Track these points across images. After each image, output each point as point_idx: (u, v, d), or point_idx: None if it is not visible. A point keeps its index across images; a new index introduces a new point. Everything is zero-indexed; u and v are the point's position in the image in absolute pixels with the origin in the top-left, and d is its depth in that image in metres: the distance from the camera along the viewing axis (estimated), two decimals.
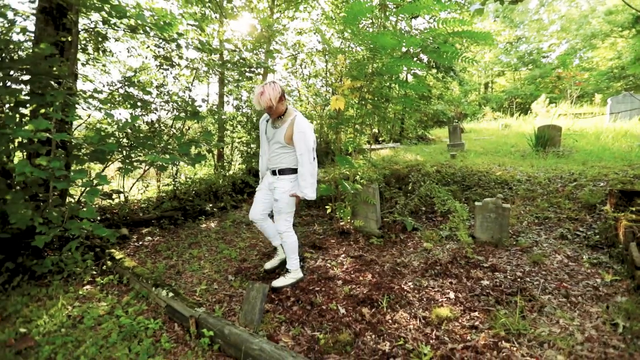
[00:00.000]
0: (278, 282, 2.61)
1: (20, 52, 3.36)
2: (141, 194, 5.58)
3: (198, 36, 5.33)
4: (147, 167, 4.96)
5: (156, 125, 4.57)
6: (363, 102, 3.62)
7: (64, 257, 3.06)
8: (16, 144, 2.61)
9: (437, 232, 3.63)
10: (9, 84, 2.93)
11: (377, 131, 10.22)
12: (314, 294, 2.49)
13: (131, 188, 5.69)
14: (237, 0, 6.73)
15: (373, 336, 1.92)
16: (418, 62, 4.93)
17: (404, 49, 3.63)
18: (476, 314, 2.08)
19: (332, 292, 2.52)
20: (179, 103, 4.44)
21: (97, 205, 4.56)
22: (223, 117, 6.61)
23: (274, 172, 2.63)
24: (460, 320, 2.03)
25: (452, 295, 2.34)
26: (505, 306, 2.15)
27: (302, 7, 8.73)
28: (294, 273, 2.71)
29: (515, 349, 1.72)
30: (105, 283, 2.82)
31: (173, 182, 5.75)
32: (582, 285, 2.38)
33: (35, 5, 3.79)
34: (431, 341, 1.84)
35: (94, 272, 2.99)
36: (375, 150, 7.64)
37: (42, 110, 2.95)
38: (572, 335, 1.82)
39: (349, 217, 3.98)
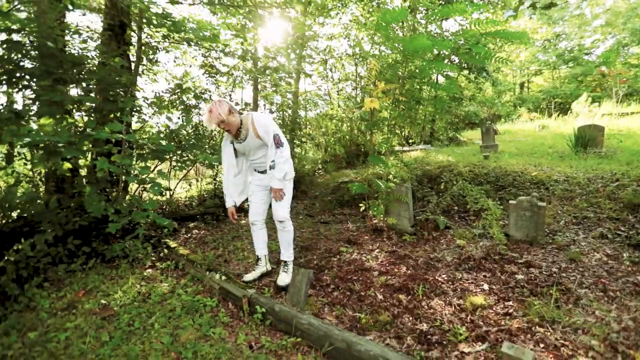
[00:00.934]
0: (284, 280, 2.56)
1: (90, 66, 3.85)
2: (185, 191, 6.05)
3: (239, 45, 5.71)
4: (191, 167, 5.38)
5: (200, 128, 4.98)
6: (396, 104, 3.77)
7: (128, 244, 3.46)
8: (89, 145, 3.01)
9: (470, 231, 3.69)
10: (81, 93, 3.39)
11: (407, 133, 10.25)
12: (352, 283, 2.68)
13: (175, 187, 6.15)
14: (273, 8, 7.09)
15: (410, 318, 2.07)
16: (450, 64, 5.00)
17: (435, 52, 3.75)
18: (510, 303, 2.18)
19: (369, 281, 2.69)
20: None
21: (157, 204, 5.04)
22: None
23: (264, 171, 2.64)
24: (494, 308, 2.13)
25: (485, 286, 2.44)
26: (540, 297, 2.23)
27: (333, 13, 8.99)
28: (291, 265, 2.70)
29: (549, 333, 1.81)
30: (164, 267, 3.17)
31: (213, 182, 6.17)
32: (621, 282, 2.39)
33: (101, 23, 4.30)
34: (466, 324, 1.96)
35: (153, 258, 3.36)
36: (406, 152, 7.70)
37: (112, 115, 3.39)
38: (608, 324, 1.87)
39: (382, 215, 4.13)
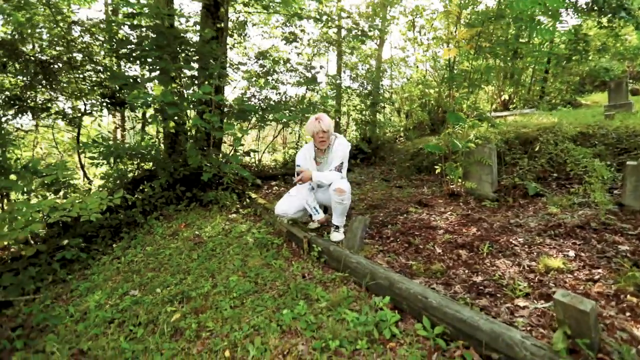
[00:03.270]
0: (336, 237, 2.56)
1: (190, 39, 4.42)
2: (270, 154, 6.63)
3: (318, 7, 5.75)
4: (276, 134, 5.85)
5: (281, 92, 5.30)
6: (480, 54, 3.33)
7: (219, 194, 4.06)
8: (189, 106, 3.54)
9: (568, 198, 3.14)
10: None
11: (507, 98, 8.91)
12: (413, 237, 2.62)
13: (264, 152, 6.77)
14: None
15: (466, 271, 1.96)
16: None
17: None
18: (599, 270, 1.84)
19: (431, 237, 2.60)
20: (301, 73, 5.02)
21: (240, 159, 5.73)
22: (341, 86, 7.02)
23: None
24: (575, 274, 1.84)
25: (571, 253, 2.10)
26: None
27: None
28: (343, 229, 2.68)
29: None
30: (245, 213, 3.64)
31: (296, 147, 6.59)
32: None
33: (200, 3, 4.84)
34: (531, 283, 1.76)
35: (238, 206, 3.88)
36: (502, 117, 6.76)
37: (205, 81, 3.88)
38: None
39: (459, 178, 3.82)
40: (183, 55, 3.72)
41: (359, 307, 1.68)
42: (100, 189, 3.75)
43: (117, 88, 4.05)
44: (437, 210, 3.43)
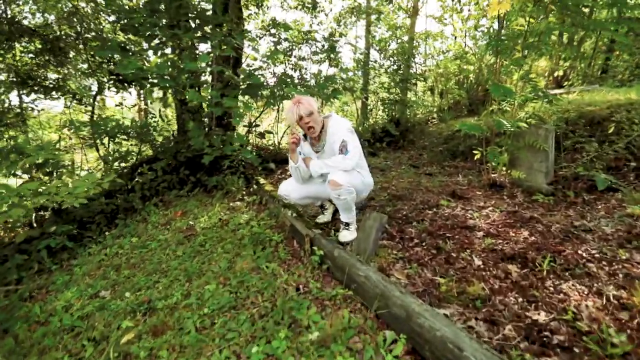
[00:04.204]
0: (345, 236, 2.11)
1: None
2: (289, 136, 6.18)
3: None
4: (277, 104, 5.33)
5: (297, 67, 4.74)
6: (540, 5, 2.58)
7: (226, 178, 3.68)
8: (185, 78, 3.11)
9: None
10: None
11: (561, 74, 7.70)
12: (444, 240, 2.07)
13: (283, 136, 6.31)
14: None
15: (519, 299, 1.40)
16: None
17: None
18: None
19: (468, 241, 2.03)
20: (317, 43, 4.43)
21: (253, 143, 5.32)
22: (368, 63, 6.34)
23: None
24: None
25: None
26: None
27: None
28: (355, 225, 2.20)
29: None
30: (250, 201, 3.23)
31: None
32: None
33: None
34: (629, 330, 1.17)
35: (244, 193, 3.47)
36: (557, 95, 5.77)
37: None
38: None
39: (504, 166, 3.15)
40: (183, 21, 3.28)
41: (362, 346, 1.21)
42: (92, 172, 3.50)
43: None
44: (475, 205, 2.82)
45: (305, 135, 2.19)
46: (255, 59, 3.74)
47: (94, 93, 4.99)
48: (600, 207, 2.50)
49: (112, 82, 4.44)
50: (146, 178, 3.50)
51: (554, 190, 2.92)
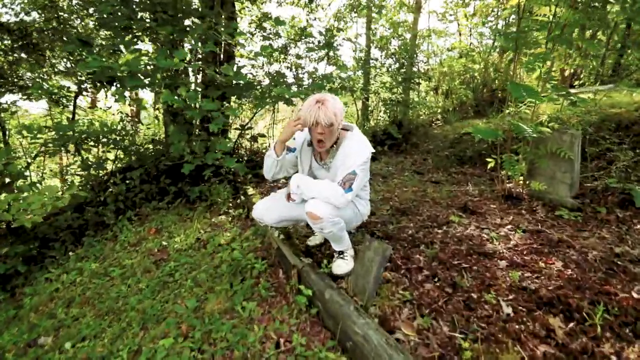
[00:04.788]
0: (340, 267, 1.71)
1: None
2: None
3: None
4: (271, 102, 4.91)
5: (292, 60, 4.37)
6: None
7: (212, 188, 3.32)
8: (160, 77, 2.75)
9: None
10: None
11: (571, 72, 7.32)
12: (460, 273, 1.71)
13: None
14: None
15: None
16: None
17: None
18: None
19: (490, 275, 1.67)
20: (315, 38, 4.06)
21: (245, 147, 4.95)
22: (369, 62, 5.96)
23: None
24: None
25: None
26: None
27: None
28: (351, 252, 1.82)
29: None
30: (235, 215, 2.87)
31: None
32: None
33: None
34: None
35: (230, 205, 3.12)
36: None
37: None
38: None
39: (521, 176, 2.79)
40: (160, 13, 2.92)
41: None
42: (52, 184, 3.14)
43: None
44: (491, 222, 2.46)
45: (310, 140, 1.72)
46: (242, 56, 3.39)
47: (75, 95, 4.64)
48: (639, 227, 2.14)
49: (89, 81, 4.09)
50: (121, 189, 3.14)
51: (581, 204, 2.56)
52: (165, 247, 2.33)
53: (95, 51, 2.53)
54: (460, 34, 7.60)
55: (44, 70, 4.74)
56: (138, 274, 1.99)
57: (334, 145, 1.65)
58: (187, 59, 2.52)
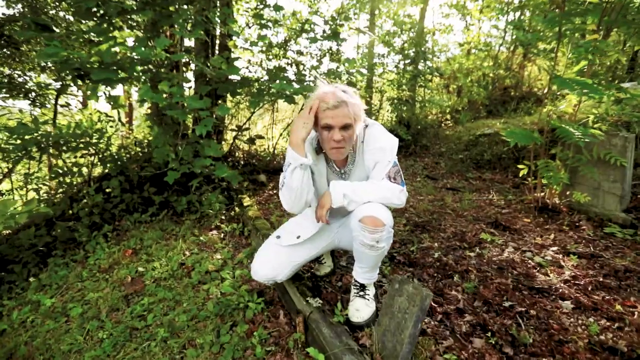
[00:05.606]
0: (360, 315, 1.31)
1: None
2: (285, 140, 5.39)
3: None
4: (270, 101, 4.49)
5: (292, 57, 3.96)
6: None
7: (202, 198, 2.92)
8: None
9: None
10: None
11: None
12: (514, 319, 1.31)
13: (278, 139, 5.55)
14: None
15: None
16: None
17: None
18: None
19: (556, 324, 1.27)
20: (318, 27, 3.65)
21: (242, 149, 4.54)
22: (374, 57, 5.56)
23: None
24: None
25: None
26: None
27: None
28: (373, 290, 1.43)
29: None
30: (228, 231, 2.47)
31: None
32: None
33: None
34: None
35: (223, 217, 2.72)
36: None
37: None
38: None
39: (560, 186, 2.39)
40: None
41: None
42: (9, 199, 2.73)
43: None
44: (531, 242, 2.07)
45: (318, 145, 1.31)
46: (236, 47, 2.98)
47: (57, 93, 4.23)
48: None
49: (71, 77, 3.67)
50: (97, 199, 2.73)
51: (635, 220, 2.17)
52: (142, 274, 1.93)
53: (61, 39, 2.13)
54: (467, 28, 7.21)
55: (26, 67, 4.33)
56: (102, 313, 1.59)
57: (353, 148, 1.30)
58: (169, 47, 2.12)
